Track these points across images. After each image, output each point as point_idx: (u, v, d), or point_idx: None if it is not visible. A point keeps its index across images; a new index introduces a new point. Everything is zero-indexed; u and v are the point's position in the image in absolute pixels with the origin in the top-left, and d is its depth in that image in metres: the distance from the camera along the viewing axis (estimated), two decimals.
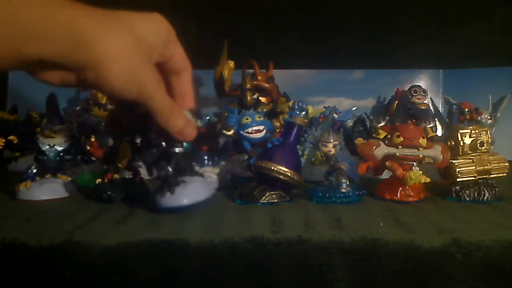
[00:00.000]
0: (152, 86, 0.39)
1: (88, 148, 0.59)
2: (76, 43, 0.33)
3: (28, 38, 0.31)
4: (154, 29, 0.39)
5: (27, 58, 0.32)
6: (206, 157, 0.69)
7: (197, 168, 0.67)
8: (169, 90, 0.45)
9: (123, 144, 0.59)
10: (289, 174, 0.57)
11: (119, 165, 0.59)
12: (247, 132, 0.61)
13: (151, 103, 0.40)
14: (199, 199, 0.51)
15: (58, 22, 0.31)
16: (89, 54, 0.33)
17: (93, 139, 0.59)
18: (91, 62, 0.34)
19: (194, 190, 0.51)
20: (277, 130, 0.69)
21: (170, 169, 0.50)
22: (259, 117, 0.62)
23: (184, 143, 0.54)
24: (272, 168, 0.57)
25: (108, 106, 0.85)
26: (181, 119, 0.44)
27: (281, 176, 0.57)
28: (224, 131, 0.62)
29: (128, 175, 0.62)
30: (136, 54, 0.36)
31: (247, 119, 0.62)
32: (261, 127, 0.61)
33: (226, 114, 0.67)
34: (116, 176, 0.60)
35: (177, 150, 0.51)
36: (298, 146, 0.64)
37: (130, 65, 0.36)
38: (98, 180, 0.59)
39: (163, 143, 0.51)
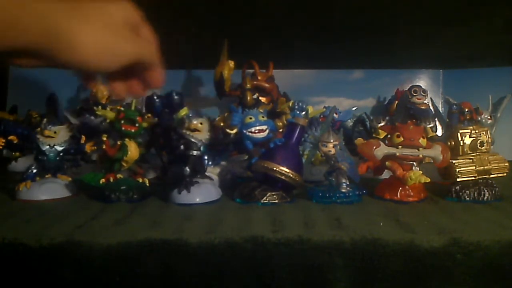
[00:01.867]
0: (134, 49, 0.41)
1: (103, 147, 0.59)
2: (47, 35, 0.35)
3: (2, 29, 0.33)
4: (125, 7, 0.42)
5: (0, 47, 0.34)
6: (206, 157, 0.69)
7: None
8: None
9: (132, 145, 0.59)
10: (291, 175, 0.57)
11: (124, 165, 0.59)
12: (250, 132, 0.61)
13: (148, 59, 0.42)
14: (210, 199, 0.58)
15: (31, 15, 0.34)
16: (59, 43, 0.36)
17: (105, 138, 0.59)
18: (61, 50, 0.37)
19: (206, 191, 0.59)
20: (280, 130, 0.69)
21: (188, 170, 0.58)
22: (263, 117, 0.62)
23: (201, 148, 0.60)
24: (274, 168, 0.57)
25: (109, 106, 0.85)
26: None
27: (283, 177, 0.57)
28: (228, 130, 0.62)
29: (129, 174, 0.62)
30: (108, 33, 0.39)
31: (250, 118, 0.61)
32: (264, 127, 0.61)
33: (226, 114, 0.67)
34: (120, 176, 0.60)
35: (194, 153, 0.59)
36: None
37: (103, 43, 0.39)
38: (102, 181, 0.59)
39: (182, 147, 0.58)
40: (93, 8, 0.39)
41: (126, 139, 0.59)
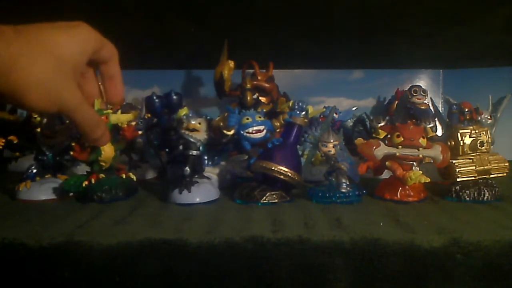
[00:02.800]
0: (74, 102, 0.42)
1: (72, 153, 0.58)
2: None
3: None
4: (79, 46, 0.42)
5: None
6: (206, 157, 0.69)
7: None
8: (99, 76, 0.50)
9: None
10: (290, 175, 0.57)
11: (103, 164, 0.59)
12: (248, 132, 0.61)
13: (73, 116, 0.44)
14: (210, 199, 0.58)
15: None
16: (8, 84, 0.36)
17: (73, 144, 0.58)
18: (10, 90, 0.37)
19: (206, 190, 0.59)
20: (277, 130, 0.69)
21: (188, 170, 0.58)
22: (260, 117, 0.62)
23: (200, 147, 0.60)
24: (273, 168, 0.57)
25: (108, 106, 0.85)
26: (101, 129, 0.48)
27: (282, 176, 0.57)
28: (225, 131, 0.62)
29: (113, 172, 0.62)
30: (56, 75, 0.39)
31: (247, 119, 0.62)
32: (261, 127, 0.61)
33: (226, 114, 0.67)
34: (102, 175, 0.59)
35: (194, 153, 0.59)
36: (298, 146, 0.64)
37: (50, 87, 0.39)
38: (85, 183, 0.58)
39: (181, 147, 0.58)
40: (45, 48, 0.38)
41: None
